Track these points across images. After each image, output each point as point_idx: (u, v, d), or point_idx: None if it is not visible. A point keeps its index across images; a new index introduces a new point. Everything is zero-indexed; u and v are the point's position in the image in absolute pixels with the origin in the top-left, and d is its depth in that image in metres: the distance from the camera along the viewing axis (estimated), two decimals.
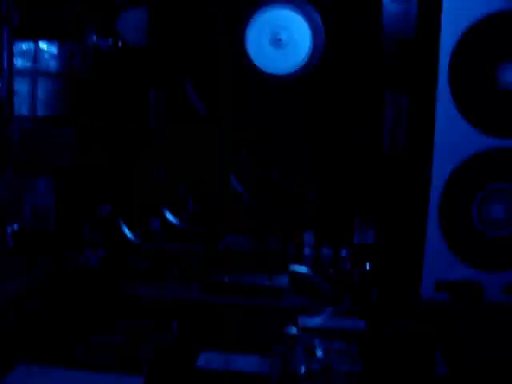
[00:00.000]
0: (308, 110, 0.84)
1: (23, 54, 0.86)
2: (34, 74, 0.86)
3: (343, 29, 0.81)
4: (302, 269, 0.88)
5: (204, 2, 0.83)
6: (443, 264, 0.80)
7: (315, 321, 0.82)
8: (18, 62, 0.85)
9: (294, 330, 0.76)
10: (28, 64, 0.86)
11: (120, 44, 0.85)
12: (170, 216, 0.89)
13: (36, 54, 0.86)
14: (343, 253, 0.87)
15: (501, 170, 0.79)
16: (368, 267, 0.86)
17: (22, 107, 0.86)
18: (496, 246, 0.80)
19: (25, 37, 0.86)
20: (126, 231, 0.89)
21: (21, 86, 0.86)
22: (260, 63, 0.82)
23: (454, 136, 0.78)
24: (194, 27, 0.84)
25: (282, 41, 0.81)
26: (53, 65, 0.86)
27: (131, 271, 0.90)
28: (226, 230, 0.88)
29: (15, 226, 0.87)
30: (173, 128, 0.86)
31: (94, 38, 0.85)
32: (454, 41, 0.78)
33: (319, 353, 0.73)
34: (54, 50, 0.86)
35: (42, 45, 0.86)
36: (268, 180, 0.87)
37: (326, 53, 0.81)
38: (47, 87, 0.86)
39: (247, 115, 0.85)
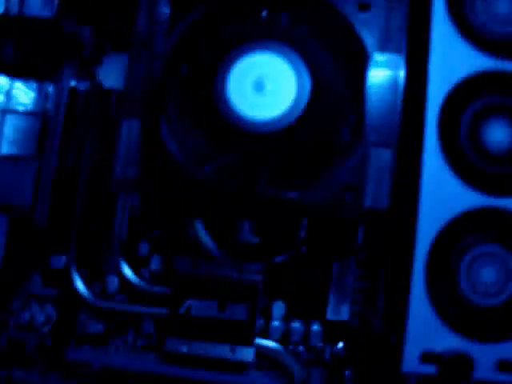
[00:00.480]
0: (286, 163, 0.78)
1: None
2: (4, 111, 0.82)
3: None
4: (269, 344, 0.79)
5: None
6: (430, 334, 0.72)
7: None
8: None
9: None
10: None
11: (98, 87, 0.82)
12: (128, 273, 0.81)
13: (10, 91, 0.82)
14: (315, 328, 0.79)
15: (493, 231, 0.73)
16: (341, 345, 0.78)
17: None
18: (486, 315, 0.72)
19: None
20: (80, 287, 0.81)
21: None
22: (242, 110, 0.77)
23: (441, 193, 0.73)
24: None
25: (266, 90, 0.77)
26: (25, 103, 0.82)
27: (80, 335, 0.80)
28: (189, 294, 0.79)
29: None
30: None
31: (72, 80, 0.82)
32: (441, 98, 0.75)
33: None
34: (29, 88, 0.83)
35: (18, 83, 0.83)
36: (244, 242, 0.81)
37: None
38: (16, 125, 0.82)
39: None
